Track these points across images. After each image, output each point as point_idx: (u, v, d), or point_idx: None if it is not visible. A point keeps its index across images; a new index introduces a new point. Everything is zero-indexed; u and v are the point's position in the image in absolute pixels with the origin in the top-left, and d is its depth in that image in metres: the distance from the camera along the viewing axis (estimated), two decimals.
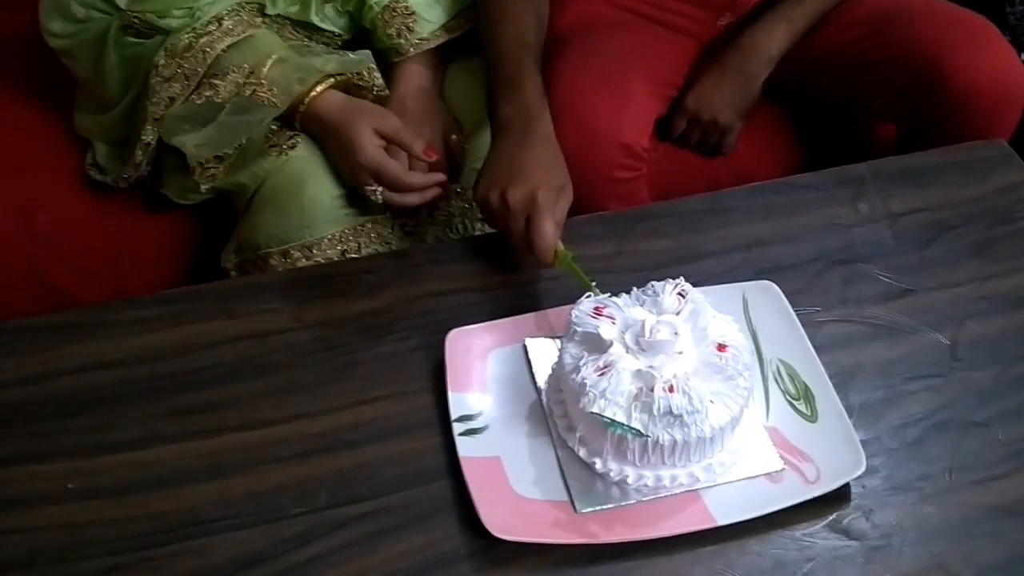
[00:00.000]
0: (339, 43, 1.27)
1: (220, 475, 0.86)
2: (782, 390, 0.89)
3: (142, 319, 0.99)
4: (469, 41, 1.29)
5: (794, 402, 0.88)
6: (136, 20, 1.13)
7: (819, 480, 0.82)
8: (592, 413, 0.78)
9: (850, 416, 0.86)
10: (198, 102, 1.14)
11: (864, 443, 0.84)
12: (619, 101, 1.21)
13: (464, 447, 0.85)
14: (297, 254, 1.14)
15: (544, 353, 0.92)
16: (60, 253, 1.22)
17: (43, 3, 1.19)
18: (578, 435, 0.83)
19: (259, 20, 1.18)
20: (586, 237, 1.04)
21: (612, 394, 0.78)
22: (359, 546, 0.81)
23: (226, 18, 1.14)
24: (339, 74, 1.16)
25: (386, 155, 1.10)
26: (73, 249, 1.23)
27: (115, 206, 1.26)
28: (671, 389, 0.77)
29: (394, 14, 1.21)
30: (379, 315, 0.99)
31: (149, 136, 1.17)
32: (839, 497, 0.82)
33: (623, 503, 0.82)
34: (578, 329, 0.83)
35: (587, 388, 0.79)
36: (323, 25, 1.23)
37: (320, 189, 1.14)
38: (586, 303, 0.85)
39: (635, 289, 0.86)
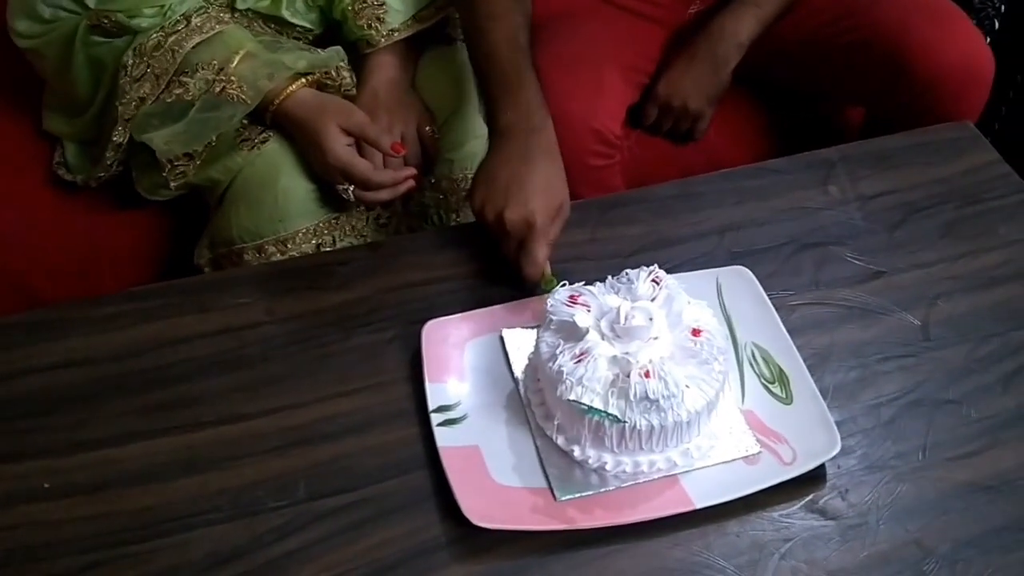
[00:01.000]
0: (310, 38, 1.26)
1: (196, 470, 0.85)
2: (757, 374, 0.90)
3: (114, 316, 0.98)
4: (440, 31, 1.29)
5: (769, 385, 0.89)
6: (105, 20, 1.12)
7: (795, 461, 0.82)
8: (570, 400, 0.78)
9: (824, 397, 0.87)
10: (168, 100, 1.13)
11: (839, 423, 0.85)
12: (591, 89, 1.21)
13: (442, 437, 0.85)
14: (271, 249, 1.13)
15: (520, 343, 0.92)
16: (29, 252, 1.20)
17: (9, 3, 1.17)
18: (556, 423, 0.83)
19: (228, 16, 1.17)
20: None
21: (589, 381, 0.78)
22: (338, 538, 0.80)
23: (194, 16, 1.13)
24: (309, 72, 1.15)
25: (354, 154, 1.09)
26: (43, 248, 1.21)
27: (85, 203, 1.25)
28: (647, 374, 0.77)
29: (364, 5, 1.20)
30: (354, 307, 0.99)
31: (120, 137, 1.15)
32: (815, 478, 0.83)
33: (602, 489, 0.82)
34: (554, 318, 0.83)
35: (564, 376, 0.79)
36: (294, 20, 1.22)
37: (293, 183, 1.13)
38: (561, 292, 0.85)
39: (610, 277, 0.87)
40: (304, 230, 1.13)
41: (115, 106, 1.14)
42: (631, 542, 0.79)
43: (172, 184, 1.16)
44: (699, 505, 0.80)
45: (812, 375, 0.88)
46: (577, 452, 0.82)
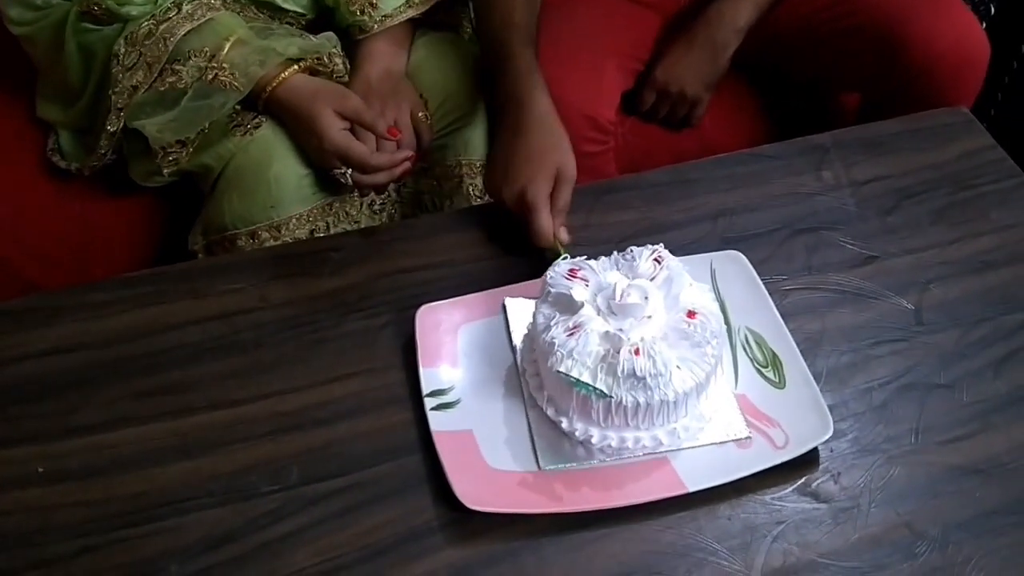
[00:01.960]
0: (303, 23, 1.25)
1: (189, 456, 0.85)
2: (750, 358, 0.90)
3: (107, 302, 0.98)
4: (433, 16, 1.28)
5: (762, 369, 0.89)
6: (95, 7, 1.11)
7: (787, 445, 0.83)
8: (559, 372, 0.79)
9: (817, 381, 0.87)
10: (161, 89, 1.12)
11: (831, 407, 0.85)
12: (586, 75, 1.21)
13: (436, 421, 0.85)
14: (265, 235, 1.13)
15: (522, 313, 0.93)
16: (23, 239, 1.20)
17: None
18: (546, 394, 0.84)
19: (219, 3, 1.16)
20: None
21: (579, 354, 0.79)
22: (331, 522, 0.81)
23: (185, 3, 1.12)
24: (301, 58, 1.15)
25: (351, 138, 1.09)
26: (36, 234, 1.21)
27: (78, 190, 1.25)
28: (637, 352, 0.77)
29: None
30: (347, 293, 0.98)
31: (113, 126, 1.15)
32: (807, 461, 0.83)
33: (587, 463, 0.83)
34: (552, 290, 0.84)
35: (555, 347, 0.79)
36: (285, 5, 1.22)
37: (286, 168, 1.13)
38: (562, 265, 0.85)
39: (615, 253, 0.87)
40: (297, 216, 1.13)
41: (108, 95, 1.13)
42: (623, 525, 0.80)
43: (165, 171, 1.16)
44: (691, 488, 0.80)
45: (805, 359, 0.88)
46: (565, 424, 0.82)
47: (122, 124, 1.15)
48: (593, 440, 0.81)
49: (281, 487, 0.83)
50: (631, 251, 0.86)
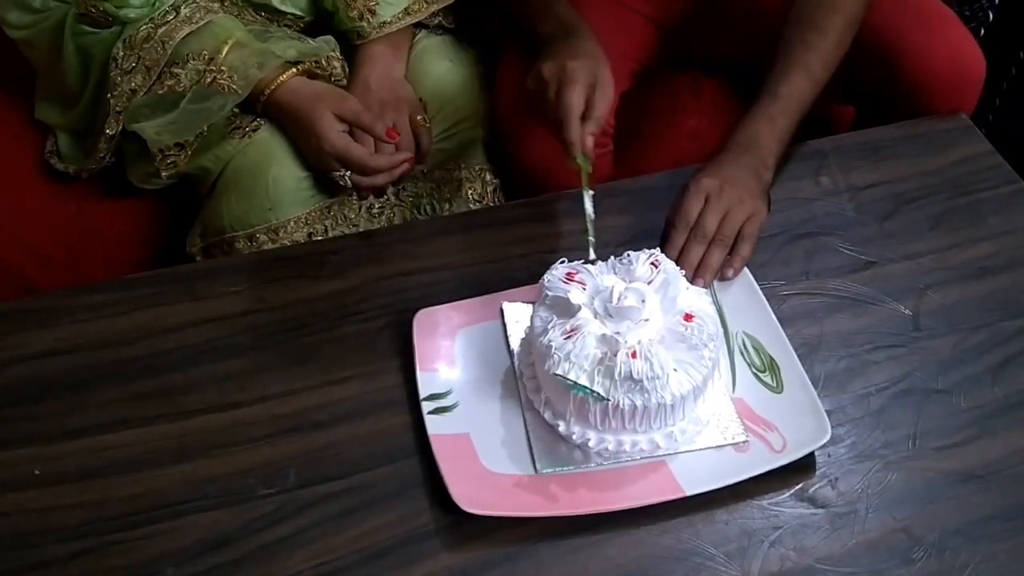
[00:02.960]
0: (301, 25, 1.25)
1: (187, 458, 0.86)
2: (748, 362, 0.90)
3: (105, 303, 0.98)
4: (432, 20, 1.28)
5: (760, 374, 0.89)
6: (93, 9, 1.11)
7: (785, 449, 0.83)
8: (556, 375, 0.79)
9: (815, 387, 0.87)
10: (160, 92, 1.12)
11: (829, 412, 0.85)
12: None
13: (433, 425, 0.85)
14: (263, 237, 1.13)
15: (519, 317, 0.93)
16: (21, 240, 1.20)
17: None
18: (544, 397, 0.84)
19: (217, 5, 1.16)
20: (552, 214, 1.05)
21: (576, 357, 0.79)
22: (328, 525, 0.81)
23: (183, 6, 1.12)
24: (299, 61, 1.15)
25: (350, 140, 1.10)
26: (34, 236, 1.21)
27: (76, 192, 1.24)
28: (634, 355, 0.78)
29: None
30: (345, 296, 0.99)
31: (112, 129, 1.15)
32: (805, 466, 0.83)
33: (584, 466, 0.83)
34: (549, 293, 0.84)
35: (553, 350, 0.80)
36: (283, 7, 1.22)
37: (284, 171, 1.13)
38: (559, 269, 0.85)
39: (612, 257, 0.87)
40: (295, 219, 1.13)
41: (107, 98, 1.13)
42: (620, 529, 0.80)
43: (163, 173, 1.16)
44: (689, 492, 0.80)
45: (802, 364, 0.88)
46: (562, 427, 0.82)
47: (120, 127, 1.15)
48: (590, 443, 0.82)
49: (279, 490, 0.83)
50: (628, 255, 0.87)
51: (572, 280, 0.84)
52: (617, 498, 0.81)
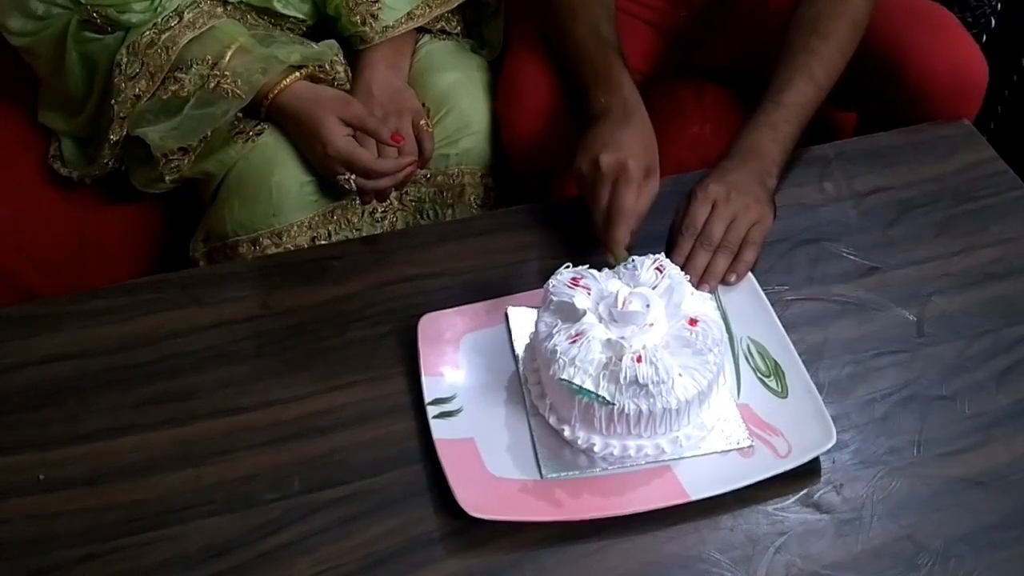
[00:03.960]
0: (303, 29, 1.26)
1: (191, 464, 0.85)
2: (752, 367, 0.90)
3: (108, 309, 0.98)
4: (435, 25, 1.28)
5: (764, 379, 0.89)
6: (96, 15, 1.11)
7: (790, 454, 0.83)
8: (561, 380, 0.79)
9: (819, 392, 0.87)
10: (164, 97, 1.12)
11: (833, 419, 0.85)
12: None
13: (438, 430, 0.85)
14: (266, 242, 1.13)
15: (524, 322, 0.93)
16: (23, 245, 1.20)
17: (1, 1, 1.16)
18: (548, 402, 0.84)
19: (220, 10, 1.16)
20: (556, 221, 1.05)
21: (582, 362, 0.79)
22: (334, 531, 0.81)
23: (187, 11, 1.12)
24: (302, 66, 1.15)
25: (355, 144, 1.10)
26: (37, 241, 1.21)
27: (79, 196, 1.24)
28: (639, 359, 0.78)
29: (358, 2, 1.20)
30: (349, 301, 0.99)
31: (116, 135, 1.15)
32: (809, 472, 0.83)
33: (589, 471, 0.83)
34: (554, 298, 0.84)
35: (558, 355, 0.80)
36: (286, 11, 1.22)
37: (287, 176, 1.13)
38: (564, 273, 0.85)
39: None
40: (299, 223, 1.13)
41: (111, 104, 1.14)
42: (624, 535, 0.80)
43: (167, 178, 1.16)
44: (694, 497, 0.80)
45: (807, 370, 0.88)
46: (567, 432, 0.82)
47: (124, 133, 1.15)
48: (595, 448, 0.82)
49: (283, 496, 0.83)
50: (632, 260, 0.87)
51: (577, 285, 0.84)
52: (622, 503, 0.80)
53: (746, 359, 0.91)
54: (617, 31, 1.13)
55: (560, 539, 0.80)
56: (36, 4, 1.13)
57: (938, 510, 0.81)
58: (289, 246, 1.13)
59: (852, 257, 1.01)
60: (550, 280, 0.86)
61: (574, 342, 0.80)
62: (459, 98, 1.25)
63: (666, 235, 1.03)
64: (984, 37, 1.51)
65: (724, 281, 0.97)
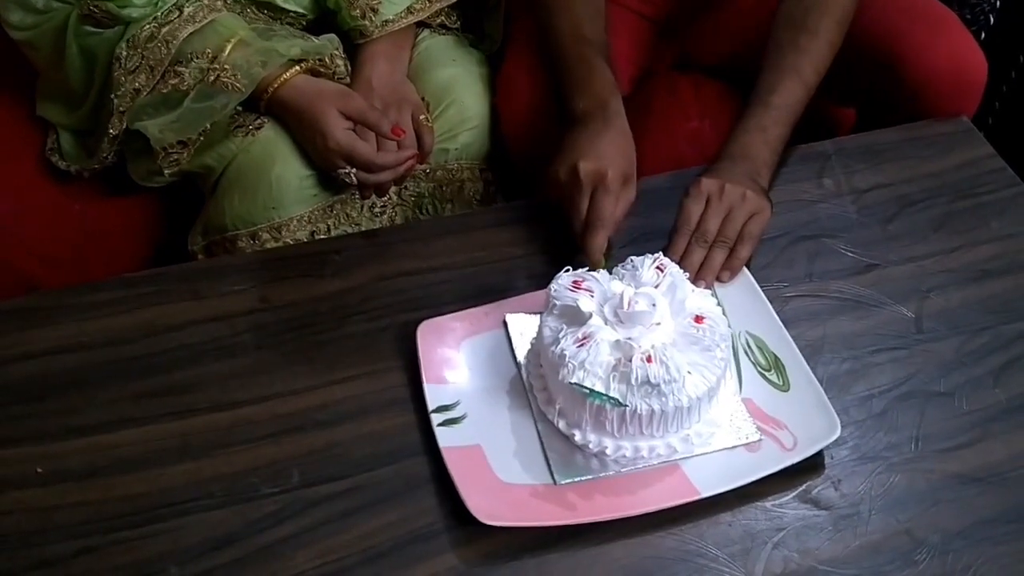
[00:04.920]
0: (303, 23, 1.25)
1: (190, 457, 0.85)
2: (753, 362, 0.90)
3: (108, 302, 0.98)
4: (435, 20, 1.28)
5: (765, 373, 0.89)
6: (95, 9, 1.11)
7: (796, 447, 0.83)
8: (571, 384, 0.79)
9: None
10: (164, 91, 1.12)
11: None
12: None
13: (444, 437, 0.85)
14: (265, 235, 1.13)
15: (524, 328, 0.93)
16: (22, 238, 1.19)
17: None
18: (557, 407, 0.83)
19: (220, 3, 1.16)
20: (555, 216, 1.04)
21: (591, 365, 0.78)
22: (333, 524, 0.81)
23: (187, 5, 1.12)
24: (302, 60, 1.15)
25: (355, 137, 1.10)
26: (36, 234, 1.20)
27: (78, 189, 1.24)
28: (649, 359, 0.77)
29: None
30: (349, 295, 0.99)
31: (115, 129, 1.15)
32: (808, 467, 0.83)
33: (602, 474, 0.83)
34: (557, 302, 0.84)
35: (566, 359, 0.79)
36: (286, 5, 1.22)
37: (287, 169, 1.13)
38: (565, 277, 0.85)
39: (616, 266, 0.87)
40: (298, 217, 1.13)
41: (110, 99, 1.13)
42: (624, 531, 0.80)
43: (166, 171, 1.15)
44: (704, 494, 0.80)
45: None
46: (578, 436, 0.82)
47: (124, 127, 1.15)
48: (607, 451, 0.81)
49: (282, 489, 0.83)
50: (631, 260, 0.86)
51: (579, 288, 0.83)
52: (634, 503, 0.80)
53: (746, 354, 0.91)
54: (606, 29, 1.12)
55: (560, 534, 0.80)
56: None
57: (936, 505, 0.81)
58: (288, 240, 1.13)
59: (851, 253, 1.02)
60: (552, 284, 0.85)
61: (582, 345, 0.79)
62: (458, 93, 1.24)
63: (659, 233, 1.02)
64: (983, 34, 1.51)
65: (718, 279, 0.97)
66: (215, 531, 0.80)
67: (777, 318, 0.92)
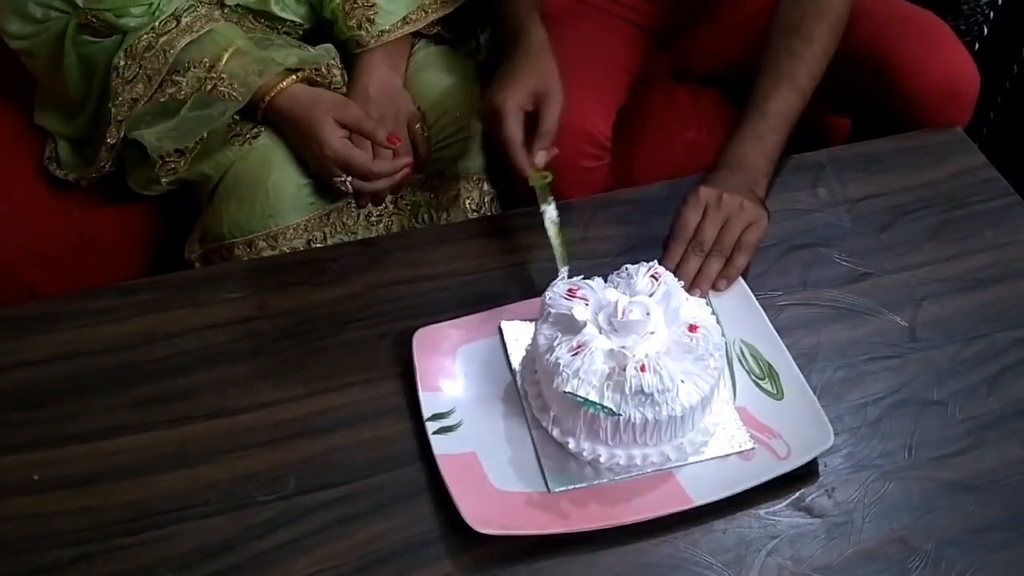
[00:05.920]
0: (300, 32, 1.26)
1: (187, 464, 0.86)
2: (747, 370, 0.91)
3: (105, 309, 0.98)
4: (431, 30, 1.29)
5: (759, 381, 0.89)
6: (93, 19, 1.11)
7: (790, 455, 0.83)
8: (566, 392, 0.79)
9: None
10: (161, 100, 1.13)
11: None
12: (582, 91, 1.21)
13: (439, 445, 0.85)
14: (262, 244, 1.13)
15: (519, 335, 0.93)
16: (21, 245, 1.20)
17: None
18: (552, 415, 0.84)
19: (217, 13, 1.17)
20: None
21: (585, 373, 0.79)
22: (329, 531, 0.81)
23: (184, 14, 1.13)
24: (299, 69, 1.16)
25: (351, 146, 1.10)
26: (34, 241, 1.21)
27: (76, 197, 1.25)
28: (643, 368, 0.78)
29: (355, 6, 1.20)
30: (345, 303, 0.99)
31: (113, 138, 1.15)
32: (802, 475, 0.83)
33: (596, 482, 0.83)
34: (552, 311, 0.84)
35: (561, 368, 0.80)
36: (283, 14, 1.22)
37: (284, 178, 1.14)
38: (560, 285, 0.86)
39: (611, 274, 0.88)
40: (295, 226, 1.14)
41: (108, 108, 1.14)
42: (618, 539, 0.80)
43: (163, 180, 1.16)
44: (698, 502, 0.80)
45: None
46: (572, 444, 0.82)
47: (121, 136, 1.15)
48: (601, 459, 0.82)
49: (279, 496, 0.83)
50: (626, 268, 0.87)
51: (574, 296, 0.84)
52: (628, 511, 0.80)
53: (740, 362, 0.91)
54: None
55: (555, 541, 0.80)
56: (34, 7, 1.13)
57: (929, 513, 0.82)
58: (285, 249, 1.13)
59: (845, 262, 1.02)
60: (546, 292, 0.86)
61: (576, 354, 0.80)
62: (454, 102, 1.25)
63: (655, 241, 1.03)
64: (976, 45, 1.52)
65: (714, 288, 0.97)
66: (212, 538, 0.80)
67: (771, 326, 0.92)
